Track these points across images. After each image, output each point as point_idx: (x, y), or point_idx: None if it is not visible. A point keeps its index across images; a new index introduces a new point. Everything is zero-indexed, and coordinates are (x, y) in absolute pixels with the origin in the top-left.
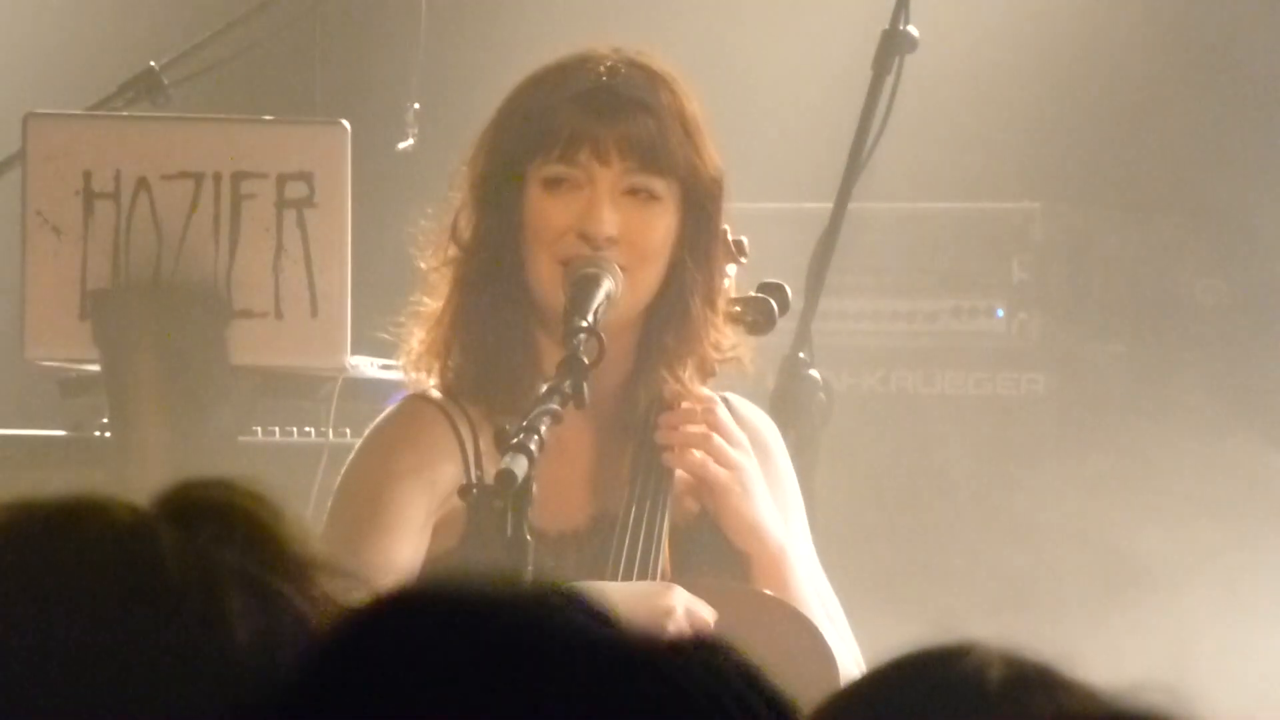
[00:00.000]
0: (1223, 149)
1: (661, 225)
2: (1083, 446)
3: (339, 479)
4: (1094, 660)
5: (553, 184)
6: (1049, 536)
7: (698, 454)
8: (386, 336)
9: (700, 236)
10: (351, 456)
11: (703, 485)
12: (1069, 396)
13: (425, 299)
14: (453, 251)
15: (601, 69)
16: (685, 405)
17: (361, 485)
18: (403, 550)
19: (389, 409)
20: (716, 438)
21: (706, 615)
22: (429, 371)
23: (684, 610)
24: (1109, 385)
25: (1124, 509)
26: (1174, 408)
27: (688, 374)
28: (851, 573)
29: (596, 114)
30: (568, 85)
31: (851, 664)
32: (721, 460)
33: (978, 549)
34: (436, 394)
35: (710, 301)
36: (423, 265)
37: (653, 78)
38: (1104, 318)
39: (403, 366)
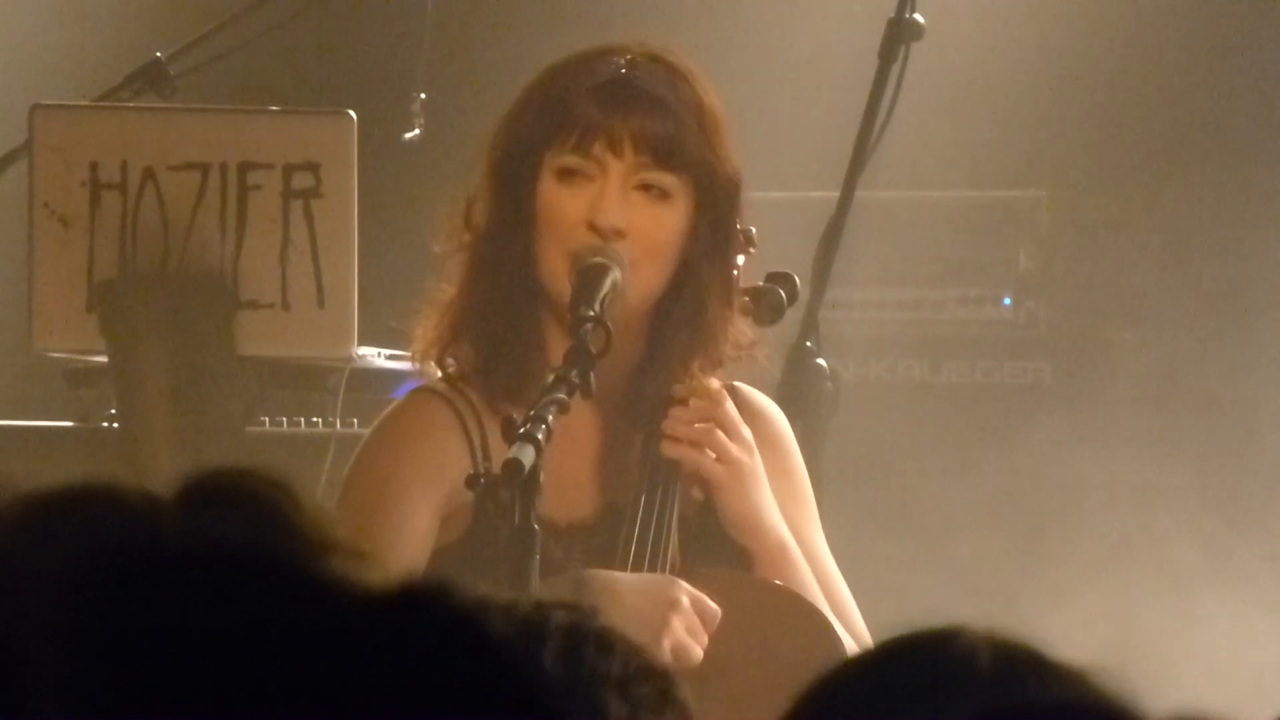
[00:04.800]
0: (1229, 135)
1: (671, 223)
2: (1090, 435)
3: (345, 475)
4: (1105, 643)
5: (566, 175)
6: (1056, 524)
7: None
8: (395, 325)
9: (715, 235)
10: (356, 452)
11: (699, 479)
12: (1076, 385)
13: (442, 285)
14: (467, 237)
15: (622, 61)
16: (694, 401)
17: (367, 482)
18: (408, 546)
19: (394, 404)
20: (718, 432)
21: (712, 608)
22: (437, 360)
23: (690, 603)
24: (1116, 373)
25: (1131, 497)
26: (1181, 395)
27: (697, 366)
28: (857, 561)
29: (613, 106)
30: (588, 76)
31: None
32: (720, 455)
33: (984, 537)
34: (442, 386)
35: (727, 300)
36: (437, 249)
37: (673, 73)
38: (1111, 306)
39: (411, 354)
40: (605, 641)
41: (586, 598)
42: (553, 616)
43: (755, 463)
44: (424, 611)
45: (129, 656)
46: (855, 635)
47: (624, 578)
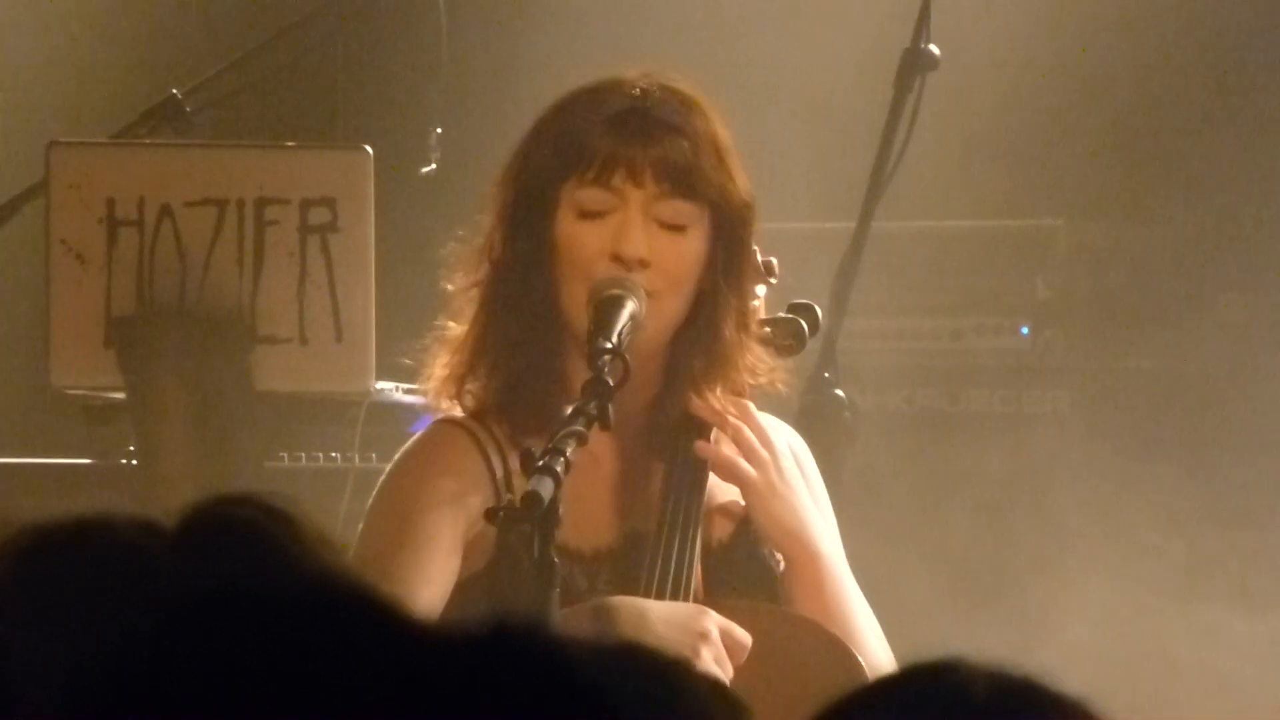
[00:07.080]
0: (1247, 162)
1: (692, 253)
2: (1108, 463)
3: (368, 505)
4: (1126, 664)
5: (586, 210)
6: (1076, 552)
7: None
8: (409, 362)
9: (731, 262)
10: (380, 483)
11: (733, 483)
12: (1094, 413)
13: (451, 323)
14: (483, 273)
15: (635, 91)
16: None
17: (389, 513)
18: (432, 577)
19: (417, 434)
20: (748, 432)
21: (741, 638)
22: (453, 396)
23: (719, 634)
24: (1134, 402)
25: (1151, 525)
26: (1200, 423)
27: (716, 393)
28: (875, 590)
29: (631, 136)
30: (601, 107)
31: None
32: (751, 457)
33: (1004, 565)
34: (463, 417)
35: (743, 326)
36: (450, 287)
37: (685, 101)
38: (1129, 334)
39: (424, 392)
40: (687, 682)
41: (613, 626)
42: (639, 658)
43: (780, 473)
44: (516, 651)
45: (112, 695)
46: (877, 661)
47: (653, 606)
